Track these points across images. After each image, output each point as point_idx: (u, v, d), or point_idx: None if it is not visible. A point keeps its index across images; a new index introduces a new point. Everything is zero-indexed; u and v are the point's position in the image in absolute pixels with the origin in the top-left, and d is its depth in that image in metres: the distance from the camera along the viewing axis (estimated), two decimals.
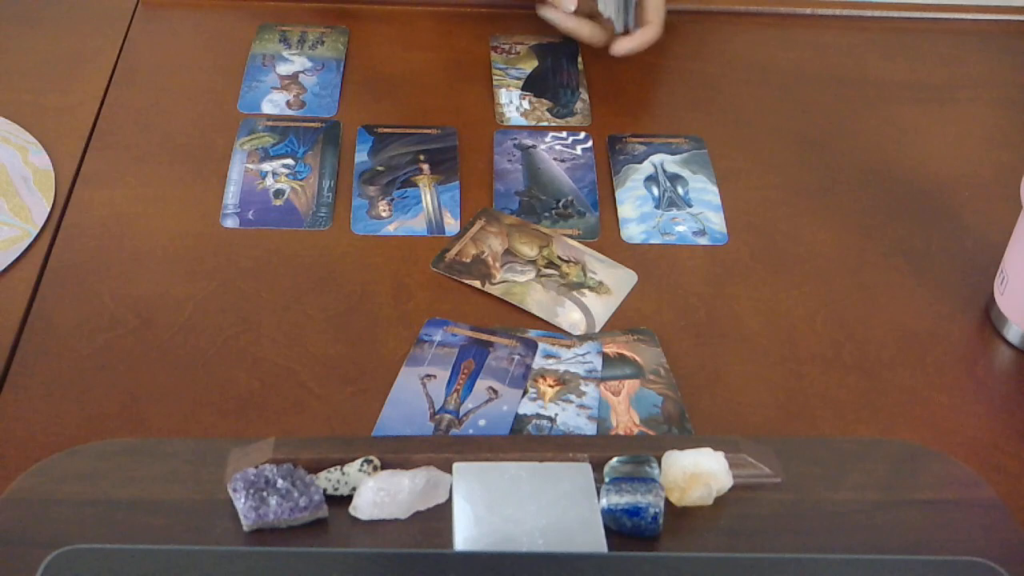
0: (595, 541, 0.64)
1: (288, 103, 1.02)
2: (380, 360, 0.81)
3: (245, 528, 0.66)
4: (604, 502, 0.66)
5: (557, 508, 0.65)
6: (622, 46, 1.05)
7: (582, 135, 1.01)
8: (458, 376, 0.80)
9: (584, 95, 1.05)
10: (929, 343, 0.85)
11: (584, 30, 1.06)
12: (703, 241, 0.92)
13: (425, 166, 0.96)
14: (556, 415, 0.77)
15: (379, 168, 0.96)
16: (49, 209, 0.90)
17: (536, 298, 0.86)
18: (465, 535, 0.64)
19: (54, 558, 0.62)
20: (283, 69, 1.06)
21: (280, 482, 0.66)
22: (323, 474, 0.68)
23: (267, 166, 0.95)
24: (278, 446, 0.68)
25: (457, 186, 0.95)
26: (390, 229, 0.91)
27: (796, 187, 0.97)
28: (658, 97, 1.08)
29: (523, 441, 0.73)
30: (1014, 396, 0.82)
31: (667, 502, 0.67)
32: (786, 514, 0.68)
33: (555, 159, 0.98)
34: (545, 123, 1.02)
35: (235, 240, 0.89)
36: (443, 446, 0.71)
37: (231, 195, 0.93)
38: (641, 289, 0.87)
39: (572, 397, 0.79)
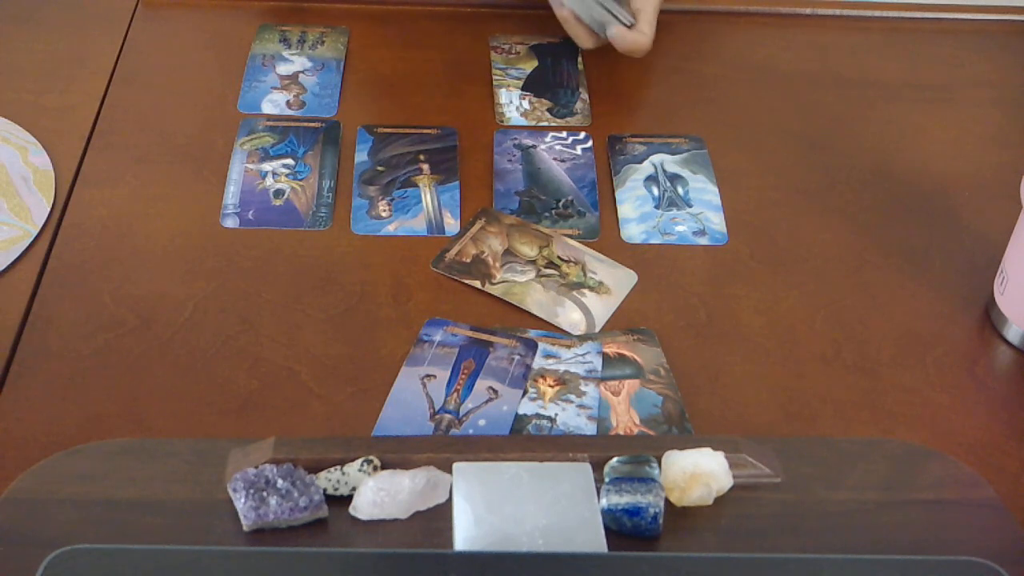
0: (595, 541, 0.64)
1: (288, 103, 1.02)
2: (380, 360, 0.81)
3: (245, 528, 0.66)
4: (604, 502, 0.66)
5: (557, 508, 0.65)
6: (618, 33, 1.03)
7: (582, 135, 1.01)
8: (458, 376, 0.80)
9: (584, 95, 1.05)
10: (929, 343, 0.85)
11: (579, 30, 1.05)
12: (703, 241, 0.92)
13: (425, 166, 0.96)
14: (556, 415, 0.77)
15: (379, 168, 0.96)
16: (49, 209, 0.90)
17: (536, 298, 0.86)
18: (465, 535, 0.64)
19: (54, 558, 0.62)
20: (283, 69, 1.06)
21: (280, 482, 0.66)
22: (323, 474, 0.68)
23: (267, 166, 0.95)
24: (278, 446, 0.68)
25: (457, 186, 0.95)
26: (390, 229, 0.91)
27: (796, 187, 0.97)
28: (658, 97, 1.07)
29: (523, 441, 0.73)
30: (1014, 396, 0.82)
31: (667, 502, 0.67)
32: (786, 514, 0.68)
33: (555, 159, 0.98)
34: (545, 123, 1.02)
35: (235, 240, 0.89)
36: (443, 446, 0.70)
37: (231, 195, 0.93)
38: (641, 289, 0.87)
39: (572, 397, 0.79)
